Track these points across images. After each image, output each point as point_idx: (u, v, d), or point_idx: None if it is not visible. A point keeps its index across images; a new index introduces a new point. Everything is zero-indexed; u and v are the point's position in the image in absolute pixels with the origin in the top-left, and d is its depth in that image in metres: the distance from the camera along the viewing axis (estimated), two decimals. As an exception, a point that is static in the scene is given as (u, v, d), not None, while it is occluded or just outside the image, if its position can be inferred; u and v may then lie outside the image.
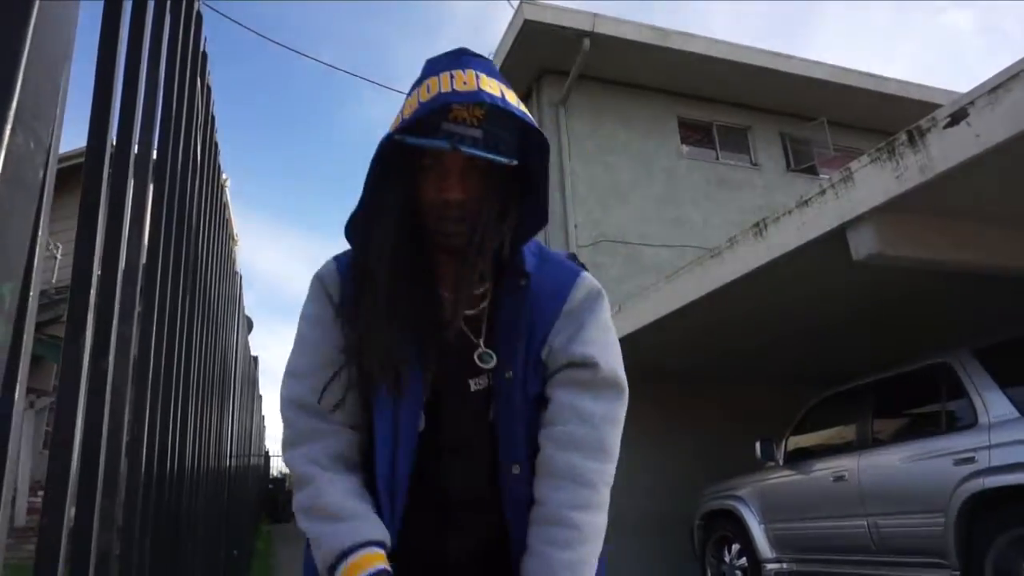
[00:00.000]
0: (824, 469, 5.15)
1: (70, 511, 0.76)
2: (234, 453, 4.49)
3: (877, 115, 10.09)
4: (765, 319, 5.94)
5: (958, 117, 3.43)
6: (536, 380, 1.03)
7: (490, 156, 0.92)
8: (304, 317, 1.08)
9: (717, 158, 9.79)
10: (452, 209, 0.96)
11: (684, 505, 6.77)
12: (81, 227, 0.87)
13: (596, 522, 0.97)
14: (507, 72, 8.97)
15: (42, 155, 0.33)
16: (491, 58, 9.21)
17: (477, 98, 0.91)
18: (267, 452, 17.16)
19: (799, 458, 5.57)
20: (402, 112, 0.97)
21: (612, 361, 1.04)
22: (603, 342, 1.04)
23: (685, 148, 9.61)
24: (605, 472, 0.99)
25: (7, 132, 0.29)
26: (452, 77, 0.93)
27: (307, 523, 0.96)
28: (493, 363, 1.02)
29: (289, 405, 1.02)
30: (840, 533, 4.91)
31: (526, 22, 8.10)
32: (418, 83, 0.97)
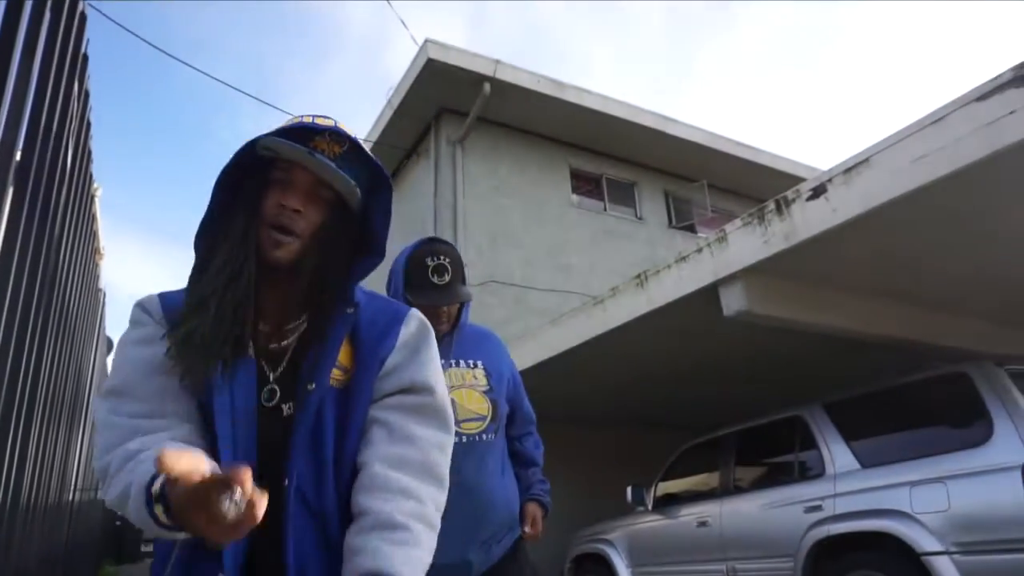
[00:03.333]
0: (689, 515, 5.36)
1: None
2: (80, 485, 4.11)
3: (752, 182, 10.92)
4: (643, 367, 6.18)
5: (818, 192, 3.78)
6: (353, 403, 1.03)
7: (341, 173, 1.00)
8: (127, 341, 1.02)
9: (605, 209, 10.21)
10: (286, 217, 0.99)
11: (558, 548, 6.82)
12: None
13: (428, 537, 0.96)
14: (407, 107, 9.01)
15: None
16: (391, 92, 9.25)
17: (336, 130, 1.01)
18: (117, 485, 15.71)
19: (667, 503, 5.76)
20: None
21: (443, 391, 1.07)
22: (436, 372, 1.08)
23: (576, 197, 9.96)
24: (437, 497, 1.00)
25: None
26: (314, 118, 1.03)
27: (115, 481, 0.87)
28: (275, 402, 1.01)
29: (105, 414, 0.95)
30: (701, 577, 5.10)
31: (429, 61, 8.20)
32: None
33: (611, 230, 9.98)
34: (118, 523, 15.65)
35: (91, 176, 2.38)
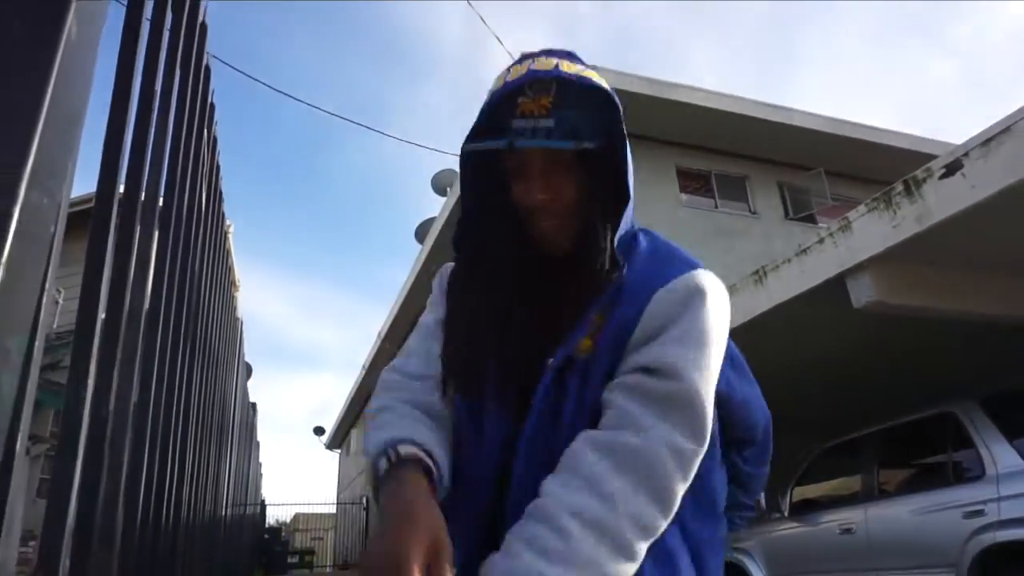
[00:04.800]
0: (830, 521, 5.05)
1: (65, 562, 0.75)
2: (230, 502, 4.42)
3: (873, 165, 10.24)
4: (767, 366, 5.91)
5: (953, 168, 3.48)
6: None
7: (550, 144, 0.83)
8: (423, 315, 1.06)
9: (716, 206, 9.89)
10: (540, 214, 0.88)
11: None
12: (88, 273, 0.88)
13: (596, 556, 0.69)
14: (509, 122, 9.15)
15: (55, 210, 0.34)
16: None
17: (523, 80, 0.85)
18: (263, 501, 16.87)
19: (804, 509, 5.47)
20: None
21: (697, 381, 0.80)
22: (692, 354, 0.81)
23: (684, 196, 9.72)
24: (645, 512, 0.73)
25: (22, 190, 0.30)
26: (531, 60, 0.89)
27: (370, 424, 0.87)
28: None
29: (384, 372, 1.00)
30: (848, 588, 4.79)
31: (528, 74, 8.30)
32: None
33: (723, 227, 9.66)
34: (266, 536, 16.74)
35: (223, 215, 2.57)
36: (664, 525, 0.75)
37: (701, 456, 0.78)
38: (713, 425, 0.84)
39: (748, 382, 1.45)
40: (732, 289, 5.14)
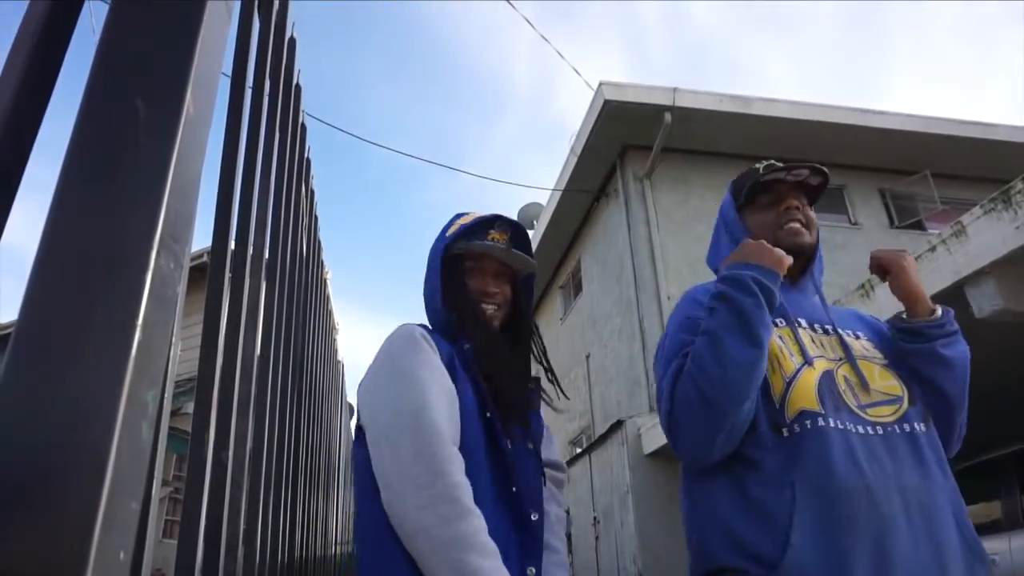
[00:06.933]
0: (968, 551, 4.64)
1: (195, 603, 0.79)
2: (339, 540, 4.54)
3: (984, 163, 9.56)
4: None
5: (1079, 160, 3.21)
6: None
7: (519, 253, 1.40)
8: (414, 360, 1.19)
9: (813, 220, 9.49)
10: (491, 297, 1.37)
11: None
12: (207, 326, 0.94)
13: None
14: (590, 151, 9.16)
15: (179, 272, 0.36)
16: (573, 139, 9.48)
17: (507, 218, 1.42)
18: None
19: (937, 539, 5.05)
20: (446, 230, 1.41)
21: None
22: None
23: (778, 212, 9.39)
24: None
25: (153, 256, 0.33)
26: (486, 213, 1.43)
27: (468, 555, 1.00)
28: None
29: (431, 432, 1.09)
30: (995, 625, 4.36)
31: (606, 103, 8.31)
32: (456, 218, 1.44)
33: (822, 241, 9.21)
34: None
35: (322, 263, 2.69)
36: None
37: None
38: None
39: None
40: (837, 304, 4.89)
